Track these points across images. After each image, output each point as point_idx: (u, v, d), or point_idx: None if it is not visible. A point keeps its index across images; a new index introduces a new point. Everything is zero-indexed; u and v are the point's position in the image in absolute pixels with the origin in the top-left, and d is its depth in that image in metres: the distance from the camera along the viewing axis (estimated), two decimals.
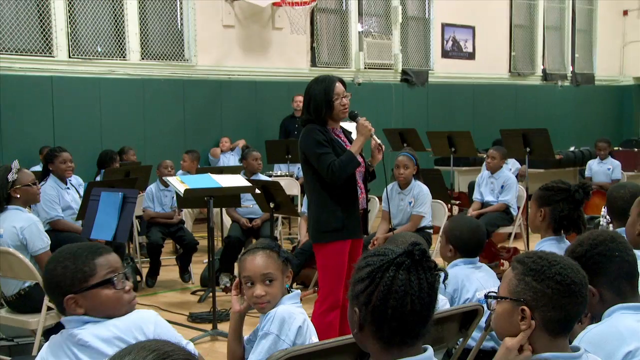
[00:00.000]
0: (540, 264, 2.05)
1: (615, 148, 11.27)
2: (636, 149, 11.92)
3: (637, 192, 3.67)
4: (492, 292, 2.19)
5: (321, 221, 4.31)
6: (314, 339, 2.85)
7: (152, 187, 7.37)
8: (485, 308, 3.11)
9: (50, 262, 2.40)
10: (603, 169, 10.16)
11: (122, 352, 1.42)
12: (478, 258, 3.82)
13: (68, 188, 6.28)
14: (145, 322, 2.39)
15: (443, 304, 3.27)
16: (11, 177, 4.54)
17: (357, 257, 4.34)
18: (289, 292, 2.92)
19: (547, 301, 2.01)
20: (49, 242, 4.63)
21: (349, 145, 4.38)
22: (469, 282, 3.60)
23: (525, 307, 2.03)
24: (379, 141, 4.46)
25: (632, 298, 2.46)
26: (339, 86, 4.30)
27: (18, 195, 4.58)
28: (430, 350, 1.85)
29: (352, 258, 4.33)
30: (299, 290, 3.11)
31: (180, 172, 8.27)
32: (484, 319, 3.11)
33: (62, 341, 2.35)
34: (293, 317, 2.78)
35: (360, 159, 4.39)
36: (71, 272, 2.30)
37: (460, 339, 3.14)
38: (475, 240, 3.84)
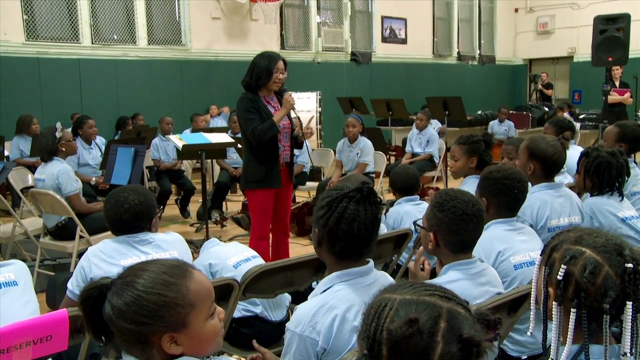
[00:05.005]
0: (443, 199, 2.04)
1: (510, 112, 11.41)
2: (524, 112, 12.04)
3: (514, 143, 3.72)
4: (419, 220, 2.18)
5: (248, 172, 4.03)
6: (234, 257, 2.85)
7: (156, 140, 7.18)
8: (414, 232, 3.13)
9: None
10: (502, 130, 10.40)
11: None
12: (418, 196, 3.79)
13: (92, 148, 6.12)
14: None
15: (382, 229, 3.26)
16: (58, 134, 4.46)
17: (285, 201, 4.21)
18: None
19: (445, 227, 2.01)
20: (79, 186, 4.52)
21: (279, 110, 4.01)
22: (407, 215, 3.59)
23: (430, 233, 2.03)
24: (308, 125, 4.20)
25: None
26: (280, 63, 3.96)
27: (63, 149, 4.50)
28: (371, 262, 1.83)
29: (281, 202, 4.15)
30: (214, 238, 3.13)
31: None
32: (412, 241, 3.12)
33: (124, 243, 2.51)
34: (200, 260, 2.89)
35: (287, 123, 4.06)
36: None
37: (394, 256, 3.16)
38: (411, 182, 3.81)
